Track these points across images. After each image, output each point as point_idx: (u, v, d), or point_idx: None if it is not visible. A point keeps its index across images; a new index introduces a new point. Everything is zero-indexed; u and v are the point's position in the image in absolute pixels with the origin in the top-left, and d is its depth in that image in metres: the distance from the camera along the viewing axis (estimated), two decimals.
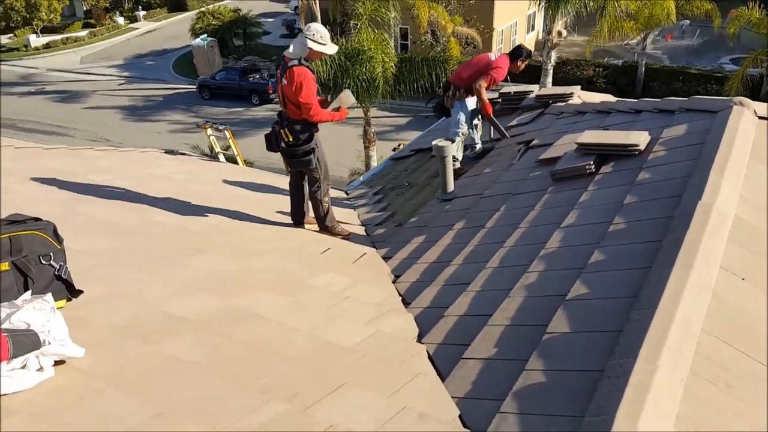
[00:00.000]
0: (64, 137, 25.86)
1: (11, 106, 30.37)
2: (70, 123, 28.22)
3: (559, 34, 18.57)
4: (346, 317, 3.32)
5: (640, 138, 4.29)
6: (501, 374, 2.55)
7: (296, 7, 32.85)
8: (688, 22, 29.59)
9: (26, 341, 2.16)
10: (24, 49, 39.35)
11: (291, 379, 2.53)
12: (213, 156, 10.17)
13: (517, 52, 6.34)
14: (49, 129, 27.50)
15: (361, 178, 8.69)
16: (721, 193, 3.18)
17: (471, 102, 6.32)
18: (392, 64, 13.99)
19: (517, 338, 2.78)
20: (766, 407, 2.16)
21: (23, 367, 2.16)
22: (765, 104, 4.37)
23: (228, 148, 10.02)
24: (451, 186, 5.45)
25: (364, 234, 5.41)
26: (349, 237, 5.06)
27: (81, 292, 2.92)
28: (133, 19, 44.68)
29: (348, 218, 5.86)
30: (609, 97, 6.63)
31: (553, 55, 18.66)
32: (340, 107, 4.83)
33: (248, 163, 13.22)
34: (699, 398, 2.12)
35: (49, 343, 2.22)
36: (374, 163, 16.06)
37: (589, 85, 23.12)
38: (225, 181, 6.81)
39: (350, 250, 4.71)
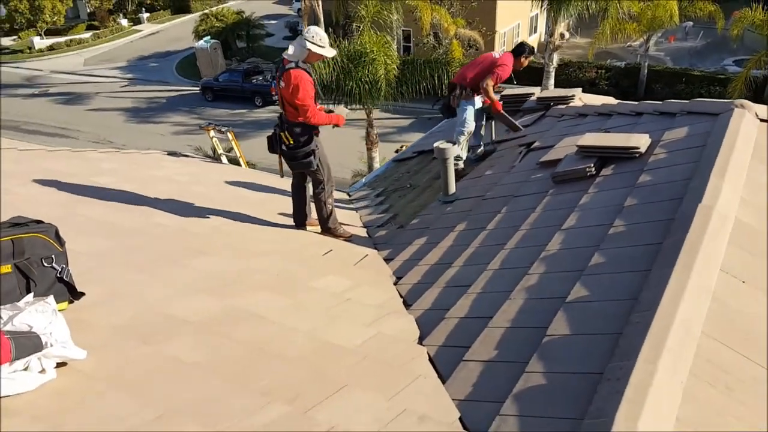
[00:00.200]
0: (67, 139, 25.95)
1: (15, 108, 30.48)
2: (74, 125, 28.30)
3: (562, 36, 18.57)
4: (346, 319, 3.33)
5: (640, 141, 4.29)
6: (501, 376, 2.56)
7: (299, 9, 32.91)
8: (691, 23, 29.57)
9: (28, 343, 2.17)
10: (28, 51, 39.47)
11: (292, 380, 2.54)
12: (216, 158, 10.20)
13: (520, 49, 6.36)
14: (53, 131, 27.58)
15: (364, 180, 8.70)
16: (722, 195, 3.18)
17: (477, 101, 6.34)
18: (395, 66, 14.00)
19: (517, 340, 2.78)
20: (766, 410, 2.17)
21: (25, 369, 2.18)
22: (766, 107, 4.37)
23: (230, 149, 10.06)
24: (452, 188, 5.45)
25: (366, 236, 5.42)
26: (351, 239, 5.07)
27: (83, 294, 2.93)
28: (137, 21, 44.80)
29: (350, 220, 5.87)
30: (610, 100, 6.63)
31: (555, 57, 18.66)
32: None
33: (251, 165, 13.26)
34: (699, 401, 2.12)
35: (51, 345, 2.24)
36: (377, 165, 16.08)
37: (591, 87, 23.12)
38: (227, 183, 6.82)
39: (352, 251, 4.71)
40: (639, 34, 23.42)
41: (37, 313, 2.29)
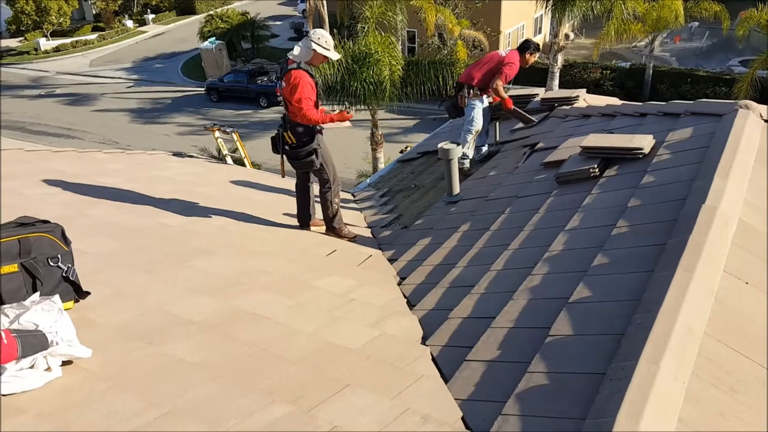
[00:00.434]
0: (73, 140, 26.07)
1: (21, 109, 30.64)
2: (79, 125, 28.42)
3: (567, 36, 18.56)
4: (350, 319, 3.34)
5: (644, 141, 4.29)
6: (504, 376, 2.56)
7: (304, 10, 32.97)
8: (697, 24, 29.49)
9: (34, 342, 2.20)
10: (34, 52, 39.65)
11: (295, 380, 2.55)
12: (221, 158, 10.23)
13: (525, 46, 6.39)
14: (59, 131, 27.72)
15: (368, 180, 8.72)
16: (726, 196, 3.17)
17: (485, 100, 6.35)
18: (399, 67, 14.02)
19: (520, 340, 2.79)
20: None
21: (31, 367, 2.20)
22: None
23: (235, 150, 10.09)
24: (456, 188, 5.46)
25: (371, 236, 5.43)
26: (355, 239, 5.09)
27: (88, 293, 2.96)
28: (142, 23, 44.95)
29: (354, 220, 5.88)
30: (614, 100, 6.63)
31: (560, 58, 18.64)
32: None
33: (256, 166, 13.28)
34: (701, 401, 2.12)
35: (57, 344, 2.26)
36: (381, 165, 16.09)
37: (596, 88, 23.09)
38: (232, 183, 6.85)
39: (356, 252, 4.73)
40: (644, 34, 23.38)
41: (43, 312, 2.31)
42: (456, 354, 2.88)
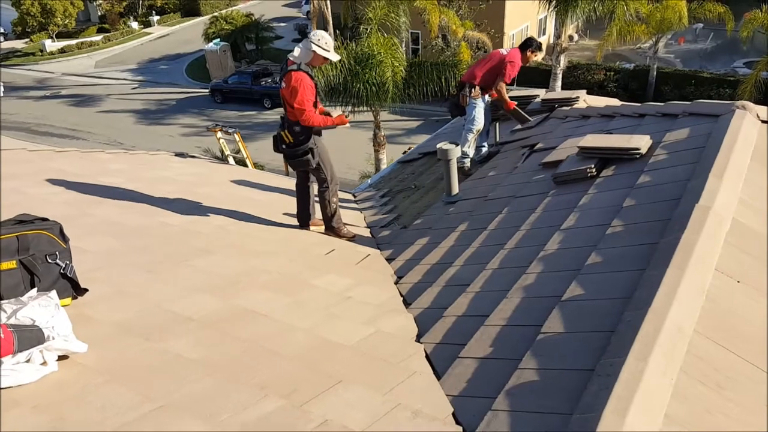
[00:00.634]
0: (78, 140, 26.19)
1: (27, 110, 30.81)
2: (84, 126, 28.56)
3: (571, 38, 18.59)
4: (346, 317, 3.37)
5: (641, 142, 4.31)
6: (495, 373, 2.59)
7: (308, 12, 33.05)
8: (701, 25, 29.43)
9: (31, 336, 2.23)
10: (40, 53, 39.86)
11: (289, 375, 2.58)
12: (223, 159, 10.29)
13: (527, 43, 6.42)
14: (64, 132, 27.85)
15: (369, 181, 8.75)
16: (720, 196, 3.19)
17: (486, 100, 6.37)
18: (402, 69, 14.06)
19: (512, 338, 2.82)
20: (757, 408, 2.19)
21: (27, 362, 2.24)
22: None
23: (238, 151, 10.14)
24: (455, 188, 5.49)
25: (370, 236, 5.46)
26: (354, 239, 5.12)
27: (86, 290, 3.00)
28: (147, 24, 45.12)
29: (354, 220, 5.92)
30: (613, 101, 6.65)
31: (563, 59, 18.64)
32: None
33: (259, 166, 13.35)
34: (689, 398, 2.14)
35: (53, 339, 2.30)
36: (384, 167, 16.12)
37: (600, 89, 23.09)
38: (233, 184, 6.89)
39: (354, 251, 4.76)
40: (648, 36, 23.36)
41: (40, 308, 2.35)
42: (449, 351, 2.91)
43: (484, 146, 6.59)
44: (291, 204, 5.40)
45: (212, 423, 2.16)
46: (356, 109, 14.45)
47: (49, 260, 2.77)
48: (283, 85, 4.66)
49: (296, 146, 4.74)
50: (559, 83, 18.61)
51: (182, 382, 2.42)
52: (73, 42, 40.87)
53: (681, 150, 4.08)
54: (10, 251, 2.64)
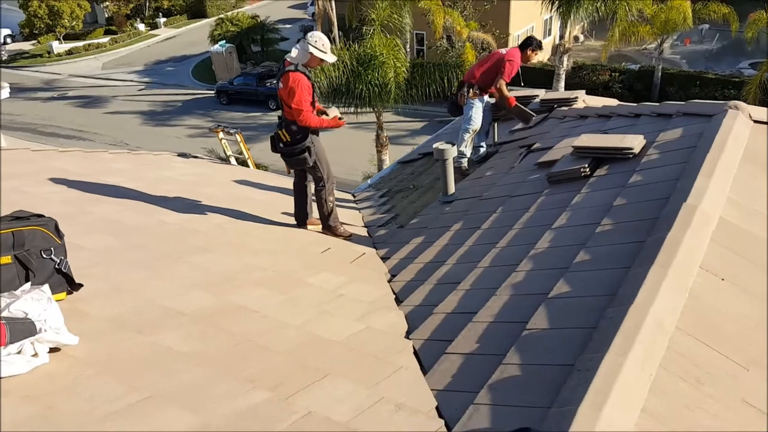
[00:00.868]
0: (84, 141, 26.36)
1: (34, 111, 31.03)
2: (91, 128, 28.74)
3: (576, 38, 18.60)
4: (337, 313, 3.41)
5: (634, 141, 4.34)
6: (479, 368, 2.62)
7: (314, 14, 33.14)
8: (707, 26, 29.38)
9: (23, 328, 2.29)
10: (47, 55, 40.12)
11: (277, 369, 2.63)
12: (225, 159, 10.35)
13: (526, 42, 6.43)
14: (70, 133, 28.04)
15: (369, 181, 8.81)
16: (708, 194, 3.22)
17: (485, 100, 6.41)
18: (404, 69, 14.10)
19: (498, 334, 2.85)
20: (736, 404, 2.21)
21: (19, 353, 2.30)
22: (762, 108, 4.40)
23: (241, 151, 10.19)
24: (452, 188, 5.53)
25: (366, 235, 5.51)
26: (350, 238, 5.16)
27: (81, 285, 3.05)
28: (154, 26, 45.33)
29: (352, 220, 5.97)
30: (611, 101, 6.68)
31: (566, 60, 18.64)
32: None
33: (263, 167, 13.41)
34: (667, 393, 2.17)
35: (45, 331, 2.35)
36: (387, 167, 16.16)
37: (604, 90, 23.07)
38: (234, 183, 6.95)
39: (350, 250, 4.81)
40: (652, 36, 23.33)
41: (33, 301, 2.41)
42: (437, 347, 2.95)
43: (482, 146, 6.62)
44: (290, 203, 5.44)
45: (198, 413, 2.21)
46: (359, 110, 14.50)
47: (44, 256, 2.83)
48: (281, 85, 4.73)
49: (293, 145, 4.80)
50: (562, 84, 18.62)
51: (171, 374, 2.47)
52: (81, 44, 41.12)
53: (673, 150, 4.11)
54: (5, 246, 2.70)
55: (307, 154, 4.79)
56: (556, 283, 3.03)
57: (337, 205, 5.37)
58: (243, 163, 9.53)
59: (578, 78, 24.85)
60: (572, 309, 2.78)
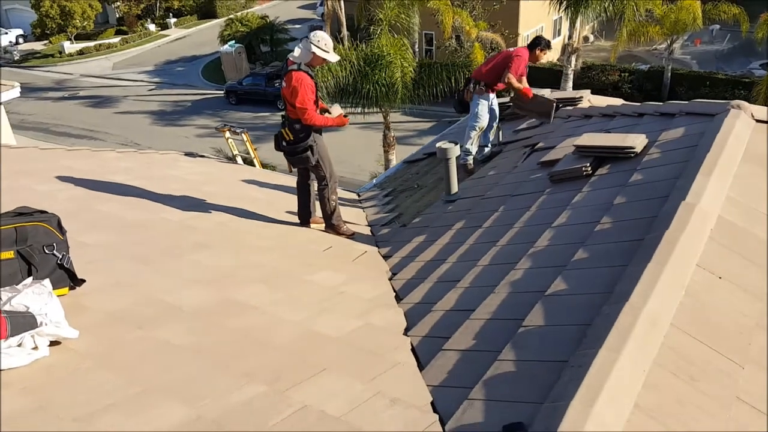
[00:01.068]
0: (95, 141, 26.54)
1: (45, 111, 31.28)
2: (101, 127, 28.94)
3: (586, 39, 18.54)
4: (337, 311, 3.44)
5: (636, 141, 4.34)
6: (475, 364, 2.64)
7: (323, 14, 33.22)
8: (718, 26, 29.19)
9: (23, 322, 2.33)
10: (58, 55, 40.43)
11: (274, 364, 2.66)
12: (232, 158, 10.40)
13: (535, 42, 6.45)
14: (81, 133, 28.24)
15: (374, 181, 8.83)
16: (707, 193, 3.22)
17: (491, 97, 6.42)
18: (411, 69, 14.12)
19: (495, 331, 2.87)
20: (730, 401, 2.22)
21: (19, 346, 2.34)
22: (763, 108, 4.38)
23: (248, 151, 10.24)
24: (455, 187, 5.54)
25: (369, 234, 5.53)
26: (353, 236, 5.18)
27: (83, 281, 3.10)
28: (164, 26, 45.57)
29: (356, 218, 5.99)
30: (616, 101, 6.67)
31: (574, 60, 18.58)
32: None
33: (271, 167, 13.46)
34: (660, 389, 2.18)
35: (46, 325, 2.39)
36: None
37: (614, 90, 22.97)
38: (239, 182, 6.99)
39: (352, 248, 4.83)
40: (662, 37, 23.21)
41: (34, 295, 2.45)
42: (434, 344, 2.97)
43: (487, 146, 6.64)
44: (294, 202, 5.47)
45: (194, 406, 2.24)
46: (366, 110, 14.53)
47: (47, 251, 2.87)
48: (284, 84, 4.76)
49: (296, 144, 4.83)
50: (570, 84, 18.56)
51: (168, 368, 2.51)
52: (92, 44, 41.40)
53: (674, 149, 4.11)
54: (8, 242, 2.74)
55: (309, 152, 4.82)
56: (553, 281, 3.04)
57: (342, 204, 5.40)
58: (249, 162, 9.58)
59: (587, 78, 24.75)
60: (568, 306, 2.80)
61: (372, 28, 14.94)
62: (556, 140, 5.61)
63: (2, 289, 2.52)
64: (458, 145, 5.45)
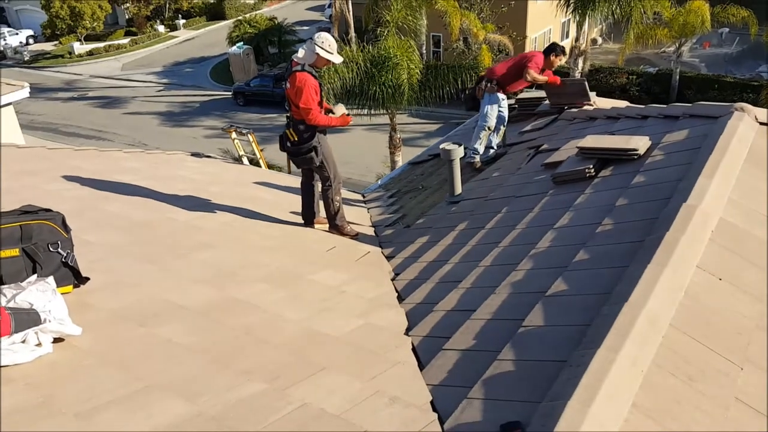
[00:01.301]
0: (103, 141, 26.71)
1: (55, 111, 31.51)
2: (110, 128, 29.11)
3: (594, 41, 18.52)
4: (338, 310, 3.46)
5: (639, 143, 4.34)
6: (475, 364, 2.65)
7: (331, 16, 33.29)
8: (727, 29, 29.07)
9: (27, 319, 2.36)
10: (68, 56, 40.70)
11: (274, 362, 2.68)
12: (238, 159, 10.46)
13: (550, 48, 6.59)
14: (90, 133, 28.43)
15: (379, 182, 8.86)
16: (708, 195, 3.22)
17: (500, 98, 6.45)
18: (417, 71, 14.14)
19: (495, 331, 2.88)
20: (728, 402, 2.22)
21: (23, 342, 2.37)
22: (766, 110, 4.37)
23: (254, 152, 10.31)
24: (458, 189, 5.56)
25: (373, 234, 5.55)
26: (357, 237, 5.20)
27: (87, 279, 3.13)
28: (173, 28, 45.77)
29: (360, 219, 6.01)
30: (621, 103, 6.68)
31: (581, 63, 18.55)
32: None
33: (277, 168, 13.52)
34: (658, 388, 2.19)
35: (49, 322, 2.42)
36: None
37: (622, 93, 22.92)
38: (245, 183, 7.03)
39: (355, 249, 4.85)
40: (671, 39, 23.13)
41: (38, 292, 2.48)
42: (434, 343, 2.98)
43: (492, 147, 6.65)
44: (299, 202, 5.49)
45: (194, 403, 2.27)
46: (372, 111, 14.56)
47: (51, 249, 2.90)
48: (288, 85, 4.79)
49: (301, 144, 4.86)
50: None
51: (170, 365, 2.54)
52: (101, 45, 41.64)
53: (677, 151, 4.11)
54: (13, 239, 2.78)
55: (313, 153, 4.85)
56: (554, 282, 3.05)
57: (347, 205, 5.42)
58: (255, 163, 9.63)
59: (595, 81, 24.68)
60: (568, 307, 2.81)
61: (379, 29, 14.96)
62: (560, 142, 5.62)
63: (8, 286, 2.55)
64: (462, 147, 5.46)
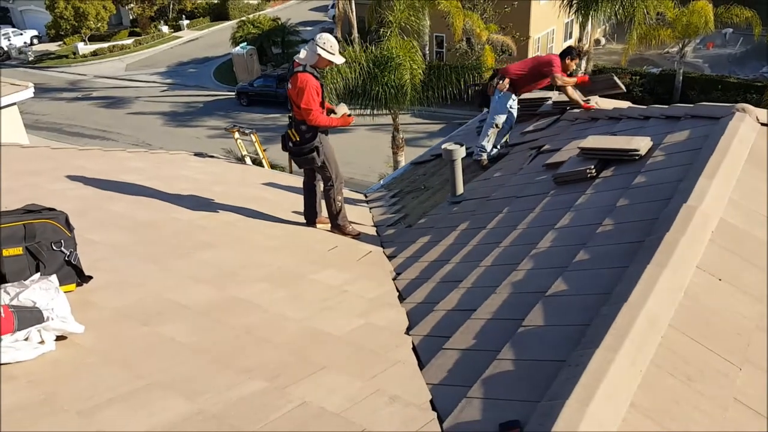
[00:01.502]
0: (107, 141, 26.77)
1: (59, 111, 31.59)
2: (114, 128, 29.18)
3: (598, 42, 18.50)
4: (339, 309, 3.47)
5: (641, 143, 4.34)
6: (474, 363, 2.66)
7: (334, 16, 33.33)
8: (731, 30, 28.99)
9: (30, 317, 2.39)
10: (72, 56, 40.79)
11: (275, 361, 2.70)
12: (241, 159, 10.47)
13: (566, 51, 6.62)
14: (94, 133, 28.50)
15: (381, 182, 8.87)
16: (709, 196, 3.23)
17: (510, 99, 6.48)
18: (420, 72, 14.16)
19: (495, 331, 2.89)
20: (727, 402, 2.23)
21: (26, 340, 2.39)
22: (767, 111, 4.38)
23: (257, 152, 10.31)
24: (460, 189, 5.57)
25: (375, 234, 5.56)
26: (359, 237, 5.22)
27: (90, 277, 3.15)
28: (177, 28, 45.84)
29: (362, 219, 6.02)
30: (623, 104, 6.68)
31: (584, 63, 18.54)
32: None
33: (280, 168, 13.53)
34: (656, 388, 2.20)
35: (52, 320, 2.45)
36: None
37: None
38: (247, 183, 7.05)
39: (357, 248, 4.86)
40: (674, 40, 23.09)
41: (41, 290, 2.50)
42: (435, 343, 3.00)
43: (495, 147, 6.66)
44: (301, 202, 5.51)
45: (194, 401, 2.29)
46: (375, 111, 14.58)
47: (54, 248, 2.92)
48: (290, 86, 4.81)
49: (302, 144, 4.88)
50: None
51: (171, 363, 2.55)
52: (105, 45, 41.71)
53: (678, 151, 4.12)
54: (17, 238, 2.81)
55: (315, 153, 4.87)
56: (554, 282, 3.06)
57: (349, 205, 5.43)
58: (258, 163, 9.65)
59: None
60: (568, 307, 2.82)
61: (382, 30, 14.98)
62: (562, 142, 5.63)
63: (11, 284, 2.57)
64: (463, 147, 5.47)
